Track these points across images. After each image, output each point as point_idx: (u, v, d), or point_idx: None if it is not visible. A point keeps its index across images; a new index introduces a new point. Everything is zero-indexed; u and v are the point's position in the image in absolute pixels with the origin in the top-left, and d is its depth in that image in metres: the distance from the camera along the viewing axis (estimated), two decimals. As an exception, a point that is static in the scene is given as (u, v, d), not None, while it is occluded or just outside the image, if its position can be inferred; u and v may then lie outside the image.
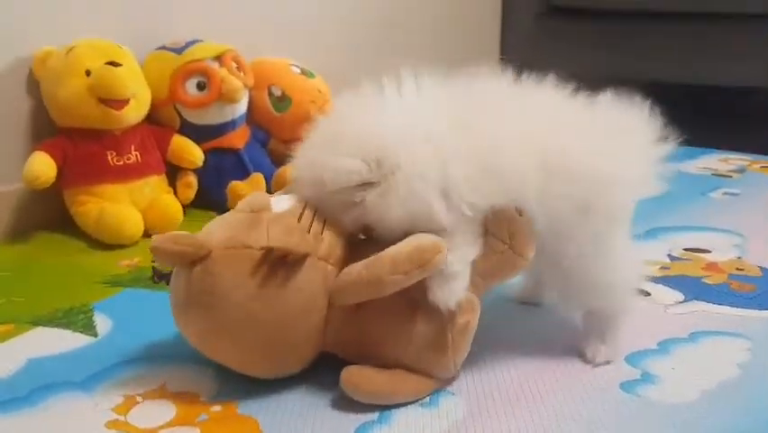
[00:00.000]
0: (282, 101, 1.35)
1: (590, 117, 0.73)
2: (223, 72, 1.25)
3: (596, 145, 0.71)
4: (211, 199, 1.28)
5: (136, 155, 1.19)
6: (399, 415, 0.66)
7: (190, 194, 1.26)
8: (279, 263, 0.66)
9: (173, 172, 1.27)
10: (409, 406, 0.67)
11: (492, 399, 0.68)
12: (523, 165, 0.67)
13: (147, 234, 1.14)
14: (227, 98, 1.25)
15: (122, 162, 1.17)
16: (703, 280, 0.97)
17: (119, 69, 1.14)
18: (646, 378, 0.72)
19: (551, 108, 0.72)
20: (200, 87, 1.24)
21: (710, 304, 0.89)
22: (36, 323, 0.86)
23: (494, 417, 0.66)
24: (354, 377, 0.67)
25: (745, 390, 0.70)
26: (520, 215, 0.68)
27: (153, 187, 1.21)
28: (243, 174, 1.29)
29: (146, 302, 0.92)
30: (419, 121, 0.69)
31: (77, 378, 0.73)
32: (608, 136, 0.72)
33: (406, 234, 0.67)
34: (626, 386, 0.70)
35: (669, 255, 1.06)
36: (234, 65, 1.27)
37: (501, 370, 0.73)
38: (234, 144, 1.30)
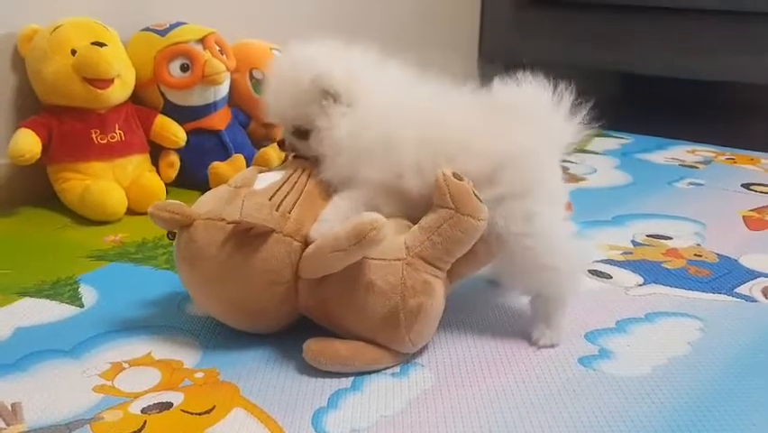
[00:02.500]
0: (264, 84, 1.38)
1: (482, 101, 0.77)
2: (206, 55, 1.27)
3: (485, 123, 0.75)
4: (192, 179, 1.31)
5: (120, 134, 1.22)
6: (371, 383, 0.70)
7: (172, 173, 1.29)
8: (247, 236, 0.73)
9: (156, 152, 1.30)
10: (381, 375, 0.72)
11: (459, 370, 0.73)
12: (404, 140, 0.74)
13: (130, 212, 1.18)
14: (210, 81, 1.27)
15: (105, 141, 1.20)
16: (663, 264, 1.02)
17: (104, 49, 1.17)
18: (603, 354, 0.77)
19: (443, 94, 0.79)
20: (183, 68, 1.27)
21: (668, 287, 0.94)
22: (23, 294, 0.89)
23: (460, 387, 0.70)
24: (314, 345, 0.72)
25: (694, 365, 0.75)
26: (459, 179, 0.71)
27: (136, 165, 1.24)
28: (224, 155, 1.32)
29: (131, 275, 0.95)
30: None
31: (64, 346, 0.76)
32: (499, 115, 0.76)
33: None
34: (584, 361, 0.75)
35: (632, 241, 1.11)
36: (217, 48, 1.30)
37: (467, 344, 0.78)
38: (216, 126, 1.33)
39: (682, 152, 1.68)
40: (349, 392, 0.69)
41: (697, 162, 1.59)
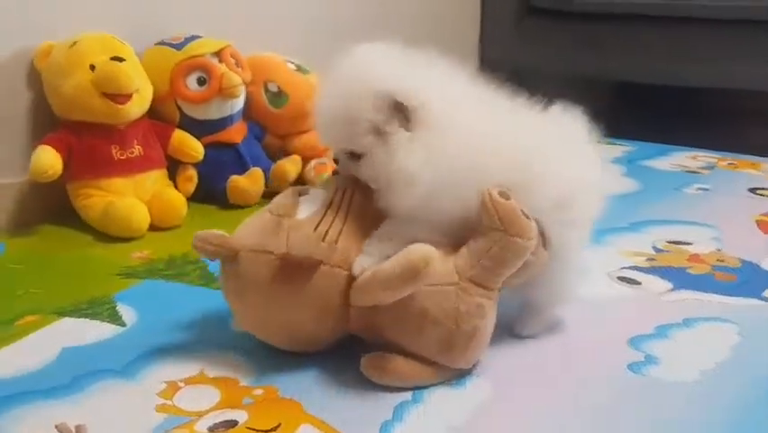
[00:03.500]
0: (279, 97, 1.38)
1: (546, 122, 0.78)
2: (222, 68, 1.27)
3: (567, 151, 0.76)
4: (210, 193, 1.31)
5: (139, 149, 1.21)
6: (431, 395, 0.71)
7: (190, 187, 1.28)
8: (295, 269, 0.72)
9: (173, 166, 1.29)
10: (438, 387, 0.72)
11: (512, 380, 0.74)
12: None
13: (152, 227, 1.17)
14: (227, 94, 1.27)
15: (125, 156, 1.19)
16: (688, 270, 1.04)
17: (123, 64, 1.16)
18: (649, 360, 0.78)
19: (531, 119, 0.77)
20: (200, 82, 1.27)
21: (698, 292, 0.96)
22: (61, 313, 0.88)
23: (518, 397, 0.71)
24: (373, 361, 0.72)
25: (740, 369, 0.76)
26: (507, 198, 0.70)
27: (155, 181, 1.23)
28: (242, 168, 1.32)
29: (165, 292, 0.95)
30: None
31: (116, 366, 0.76)
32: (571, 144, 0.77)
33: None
34: (633, 367, 0.77)
35: (653, 247, 1.13)
36: (233, 61, 1.30)
37: (515, 352, 0.79)
38: (233, 139, 1.33)
39: (684, 158, 1.71)
40: (411, 405, 0.69)
41: (700, 168, 1.62)
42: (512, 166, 0.72)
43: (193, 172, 1.29)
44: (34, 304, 0.90)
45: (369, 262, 0.72)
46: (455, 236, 0.73)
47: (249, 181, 1.30)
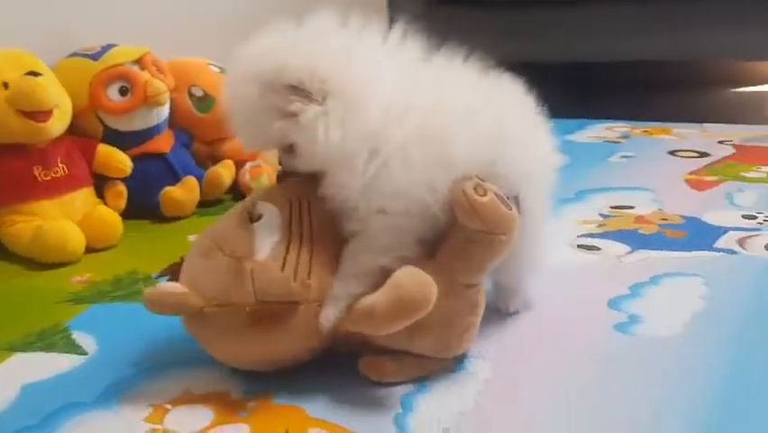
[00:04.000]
0: (204, 101, 1.33)
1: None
2: (145, 75, 1.21)
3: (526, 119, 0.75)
4: (141, 207, 1.24)
5: (63, 168, 1.13)
6: (434, 382, 0.69)
7: (121, 204, 1.21)
8: (269, 313, 0.66)
9: (99, 183, 1.21)
10: (438, 373, 0.70)
11: (508, 356, 0.73)
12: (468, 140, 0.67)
13: (86, 249, 1.09)
14: (153, 102, 1.21)
15: (49, 177, 1.11)
16: (639, 231, 1.07)
17: (40, 78, 1.08)
18: (633, 319, 0.79)
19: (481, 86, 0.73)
20: (122, 92, 1.20)
21: (655, 251, 0.99)
22: (11, 349, 0.80)
23: (520, 373, 0.70)
24: (373, 364, 0.69)
25: (716, 316, 0.79)
26: (484, 194, 0.65)
27: (84, 200, 1.16)
28: (173, 179, 1.26)
29: (121, 315, 0.88)
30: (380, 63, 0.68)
31: (87, 397, 0.70)
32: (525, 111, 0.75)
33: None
34: (620, 327, 0.78)
35: (600, 214, 1.16)
36: (154, 68, 1.23)
37: (507, 331, 0.78)
38: (161, 149, 1.26)
39: (601, 129, 1.77)
40: (417, 394, 0.67)
41: (618, 138, 1.69)
42: (479, 137, 0.68)
43: (122, 187, 1.22)
44: (-25, 344, 0.82)
45: (336, 311, 0.67)
46: (423, 241, 0.68)
47: (183, 191, 1.24)
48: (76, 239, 1.06)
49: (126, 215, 1.21)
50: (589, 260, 0.97)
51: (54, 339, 0.82)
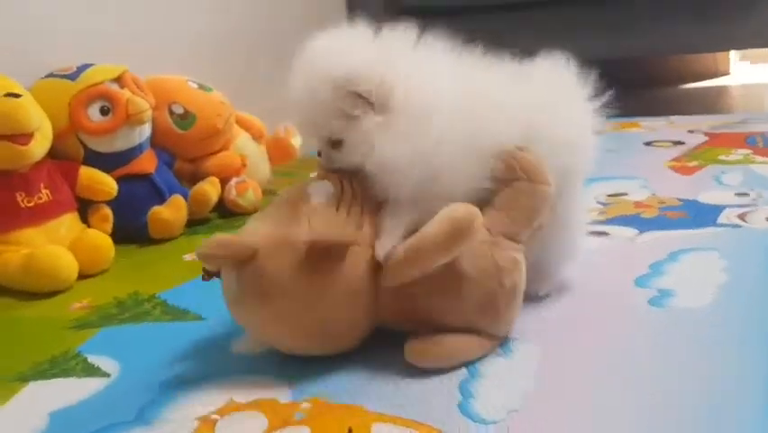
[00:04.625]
0: (186, 118, 1.29)
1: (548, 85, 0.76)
2: (126, 94, 1.17)
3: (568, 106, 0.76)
4: (127, 231, 1.19)
5: (46, 193, 1.08)
6: (486, 368, 0.67)
7: (108, 228, 1.16)
8: (324, 254, 0.66)
9: (83, 207, 1.16)
10: (486, 360, 0.69)
11: (555, 340, 0.72)
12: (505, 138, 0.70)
13: (78, 275, 1.04)
14: (135, 120, 1.17)
15: (33, 203, 1.06)
16: (641, 215, 1.08)
17: (21, 99, 1.03)
18: (664, 293, 0.80)
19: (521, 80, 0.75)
20: (104, 111, 1.15)
21: (662, 231, 1.00)
22: (23, 379, 0.75)
23: (567, 354, 0.69)
24: (417, 347, 0.68)
25: (741, 286, 0.80)
26: (521, 150, 0.70)
27: (69, 226, 1.10)
28: (159, 199, 1.22)
29: (134, 335, 0.84)
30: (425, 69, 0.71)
31: (126, 416, 0.65)
32: (570, 101, 0.77)
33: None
34: (654, 302, 0.78)
35: (598, 202, 1.17)
36: (134, 85, 1.20)
37: (543, 314, 0.77)
38: (145, 169, 1.22)
39: (572, 127, 1.80)
40: (473, 381, 0.65)
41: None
42: (516, 129, 0.71)
43: (108, 211, 1.17)
44: (-17, 377, 0.77)
45: (390, 241, 0.68)
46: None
47: (171, 211, 1.20)
48: (69, 265, 1.01)
49: (114, 239, 1.16)
50: (603, 244, 0.97)
51: (69, 365, 0.78)
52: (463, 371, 0.67)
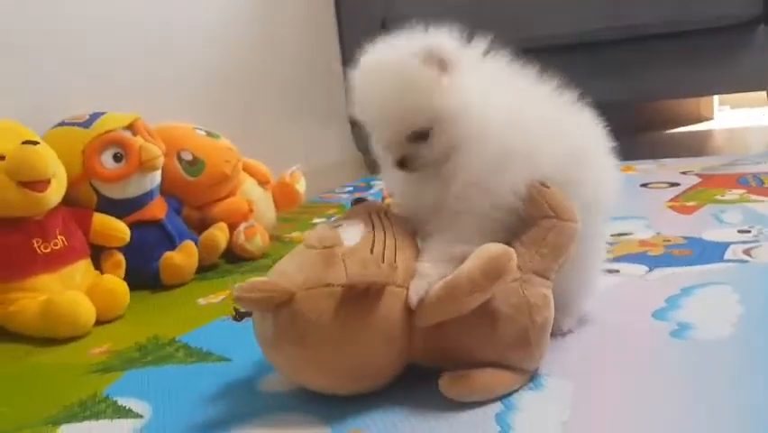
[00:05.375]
0: (194, 165, 1.31)
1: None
2: (139, 140, 1.18)
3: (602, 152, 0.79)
4: (138, 277, 1.19)
5: (62, 240, 1.08)
6: (520, 402, 0.68)
7: (121, 274, 1.16)
8: (360, 297, 0.67)
9: (95, 254, 1.17)
10: (518, 394, 0.70)
11: (584, 370, 0.73)
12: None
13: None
14: (148, 166, 1.18)
15: (49, 249, 1.06)
16: (648, 253, 1.11)
17: (38, 147, 1.04)
18: (683, 326, 0.81)
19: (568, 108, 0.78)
20: (117, 158, 1.17)
21: (672, 268, 1.02)
22: (54, 423, 0.75)
23: (596, 388, 0.70)
24: (451, 381, 0.69)
25: (759, 317, 0.82)
26: (547, 187, 0.72)
27: (84, 272, 1.11)
28: (170, 245, 1.23)
29: (161, 377, 0.84)
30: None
31: (166, 456, 0.65)
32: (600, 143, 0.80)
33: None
34: (676, 334, 0.79)
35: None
36: (146, 132, 1.21)
37: (568, 349, 0.79)
38: (156, 215, 1.23)
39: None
40: (510, 413, 0.66)
41: (585, 177, 1.75)
42: (562, 161, 0.73)
43: (120, 257, 1.17)
44: (11, 422, 0.76)
45: (425, 283, 0.69)
46: (503, 233, 0.73)
47: (183, 256, 1.21)
48: (87, 311, 1.01)
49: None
50: (616, 281, 0.99)
51: (100, 408, 0.77)
52: (498, 404, 0.68)
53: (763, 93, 2.18)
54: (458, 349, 0.70)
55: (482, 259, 0.66)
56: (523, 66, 0.76)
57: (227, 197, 1.36)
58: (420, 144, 0.71)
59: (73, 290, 1.05)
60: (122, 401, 0.78)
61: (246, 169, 1.44)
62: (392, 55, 0.70)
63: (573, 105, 0.78)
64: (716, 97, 2.83)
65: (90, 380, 0.85)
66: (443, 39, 0.70)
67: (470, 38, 0.74)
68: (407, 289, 0.69)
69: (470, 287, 0.66)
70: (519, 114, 0.72)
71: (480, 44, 0.74)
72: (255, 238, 1.33)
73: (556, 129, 0.73)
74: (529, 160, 0.71)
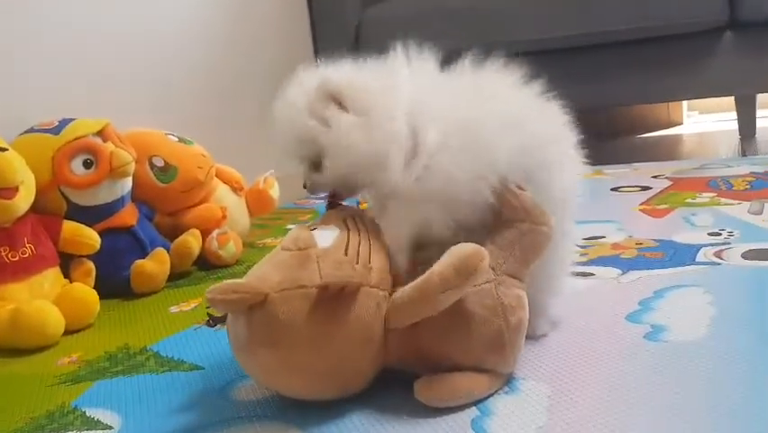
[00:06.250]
0: (166, 171, 1.29)
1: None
2: (110, 147, 1.17)
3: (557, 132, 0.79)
4: (110, 284, 1.18)
5: (30, 248, 1.06)
6: (496, 406, 0.68)
7: (90, 282, 1.14)
8: (335, 298, 0.67)
9: (64, 262, 1.15)
10: (494, 398, 0.69)
11: (558, 373, 0.73)
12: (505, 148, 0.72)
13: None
14: (119, 173, 1.17)
15: (17, 258, 1.04)
16: (620, 256, 1.11)
17: (6, 153, 1.02)
18: (657, 328, 0.82)
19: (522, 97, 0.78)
20: (87, 165, 1.15)
21: (644, 270, 1.03)
22: (21, 436, 0.73)
23: (573, 390, 0.70)
24: (427, 386, 0.69)
25: (733, 319, 0.82)
26: (522, 190, 0.73)
27: (52, 281, 1.09)
28: (141, 253, 1.21)
29: (131, 387, 0.82)
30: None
31: (135, 468, 0.64)
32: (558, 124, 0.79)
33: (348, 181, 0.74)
34: (651, 337, 0.80)
35: (577, 245, 1.19)
36: (117, 138, 1.20)
37: (541, 352, 0.78)
38: (127, 222, 1.21)
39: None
40: (485, 418, 0.66)
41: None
42: (522, 152, 0.73)
43: (90, 265, 1.15)
44: (-24, 436, 0.74)
45: (403, 257, 0.73)
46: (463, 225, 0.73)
47: (154, 264, 1.19)
48: (56, 320, 0.99)
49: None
50: (590, 284, 1.00)
51: (68, 419, 0.76)
52: (473, 409, 0.68)
53: (731, 98, 2.22)
54: (433, 352, 0.70)
55: (454, 258, 0.66)
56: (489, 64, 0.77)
57: (200, 203, 1.35)
58: (317, 171, 0.75)
59: (42, 298, 1.04)
60: (91, 412, 0.77)
61: (219, 175, 1.43)
62: (293, 89, 0.74)
63: (538, 98, 0.78)
64: (685, 103, 2.86)
65: (58, 391, 0.84)
66: (343, 73, 0.74)
67: (423, 49, 0.76)
68: (381, 289, 0.69)
69: (443, 286, 0.65)
70: (467, 112, 0.73)
71: (430, 55, 0.76)
72: (228, 245, 1.31)
73: (513, 122, 0.73)
74: (485, 155, 0.71)
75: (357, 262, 0.69)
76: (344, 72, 0.74)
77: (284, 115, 0.75)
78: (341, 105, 0.71)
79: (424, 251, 0.75)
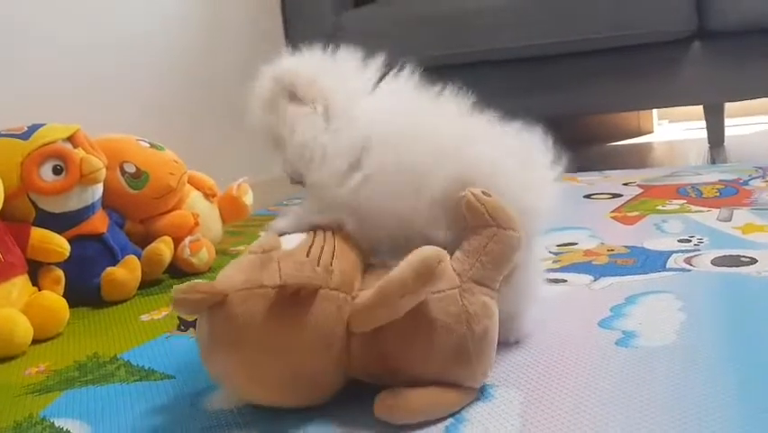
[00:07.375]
0: (138, 177, 1.28)
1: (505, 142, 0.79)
2: (80, 153, 1.15)
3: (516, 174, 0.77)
4: (80, 292, 1.16)
5: (-3, 255, 1.04)
6: (468, 414, 0.68)
7: (60, 290, 1.12)
8: (294, 299, 0.66)
9: (32, 270, 1.13)
10: (471, 407, 0.69)
11: (531, 380, 0.74)
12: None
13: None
14: (90, 180, 1.15)
15: (-16, 265, 1.02)
16: (592, 263, 1.13)
17: (-28, 159, 1.00)
18: (628, 334, 0.83)
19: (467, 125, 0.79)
20: (56, 171, 1.13)
21: (616, 277, 1.04)
22: (-13, 449, 0.72)
23: (544, 394, 0.70)
24: (388, 401, 0.67)
25: (702, 323, 0.84)
26: (488, 195, 0.72)
27: (20, 289, 1.07)
28: (112, 260, 1.20)
29: (101, 397, 0.81)
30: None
31: (104, 479, 0.63)
32: (523, 165, 0.78)
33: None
34: (621, 343, 0.81)
35: (550, 252, 1.21)
36: (87, 144, 1.18)
37: (515, 359, 0.79)
38: (98, 229, 1.20)
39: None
40: (458, 426, 0.66)
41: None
42: (462, 169, 0.73)
43: (59, 273, 1.14)
44: (-60, 448, 0.73)
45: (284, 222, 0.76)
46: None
47: (125, 271, 1.18)
48: (24, 329, 0.98)
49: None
50: (562, 290, 1.00)
51: (36, 430, 0.74)
52: (442, 423, 0.67)
53: (700, 107, 2.25)
54: (397, 361, 0.68)
55: (413, 261, 0.65)
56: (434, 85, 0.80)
57: (172, 210, 1.34)
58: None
59: (9, 307, 1.02)
60: (59, 423, 0.75)
61: (192, 181, 1.42)
62: (261, 82, 0.79)
63: (486, 121, 0.79)
64: (655, 111, 2.91)
65: (26, 401, 0.82)
66: (304, 65, 0.77)
67: (370, 60, 0.79)
68: (341, 292, 0.68)
69: (402, 290, 0.65)
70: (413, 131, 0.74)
71: (376, 67, 0.79)
72: (201, 252, 1.30)
73: (452, 151, 0.74)
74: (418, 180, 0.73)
75: (318, 264, 0.68)
76: (301, 63, 0.78)
77: (252, 101, 0.80)
78: (294, 96, 0.75)
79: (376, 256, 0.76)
